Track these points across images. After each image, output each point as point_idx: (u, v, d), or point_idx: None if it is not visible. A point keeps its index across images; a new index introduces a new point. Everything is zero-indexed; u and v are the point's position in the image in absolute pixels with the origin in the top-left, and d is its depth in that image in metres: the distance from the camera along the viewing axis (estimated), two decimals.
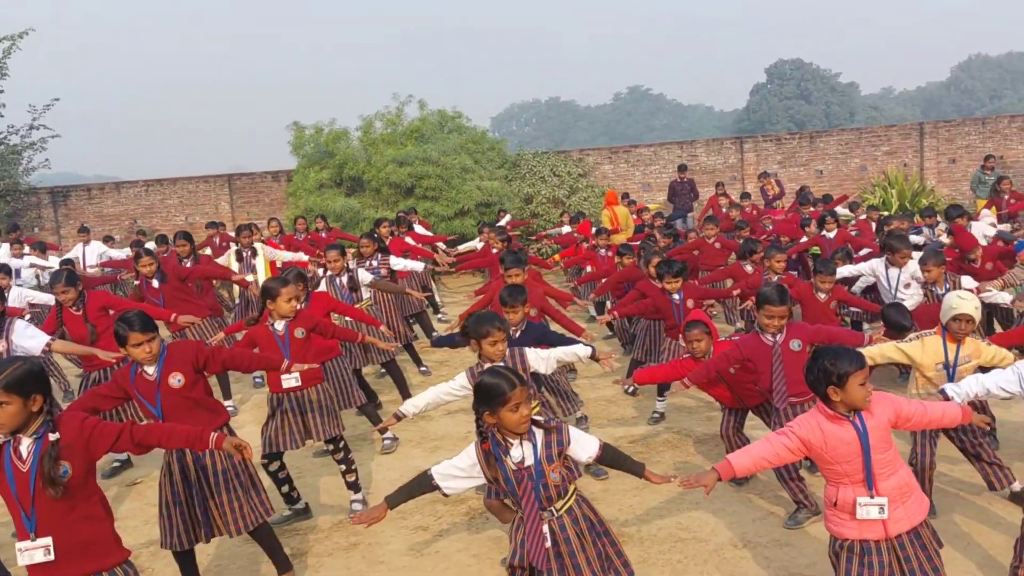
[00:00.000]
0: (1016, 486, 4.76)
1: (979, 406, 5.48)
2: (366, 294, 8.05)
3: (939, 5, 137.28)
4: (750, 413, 5.54)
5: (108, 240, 15.14)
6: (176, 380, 4.10)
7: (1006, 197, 13.19)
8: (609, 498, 5.15)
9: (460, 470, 3.31)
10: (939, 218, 10.30)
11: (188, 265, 8.70)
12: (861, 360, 3.24)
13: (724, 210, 15.17)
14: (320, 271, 8.74)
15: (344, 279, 7.87)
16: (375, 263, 8.92)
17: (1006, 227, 10.90)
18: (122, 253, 13.93)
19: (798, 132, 21.51)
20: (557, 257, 11.75)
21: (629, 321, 9.07)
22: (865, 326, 7.67)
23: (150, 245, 13.08)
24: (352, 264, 8.52)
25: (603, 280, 9.09)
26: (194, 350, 4.22)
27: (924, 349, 4.57)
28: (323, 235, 13.14)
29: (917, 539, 3.32)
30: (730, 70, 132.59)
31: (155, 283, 7.76)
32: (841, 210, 13.63)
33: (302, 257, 11.44)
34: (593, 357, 4.92)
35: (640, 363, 7.42)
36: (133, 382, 4.11)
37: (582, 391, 7.99)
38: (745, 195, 15.28)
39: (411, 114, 17.59)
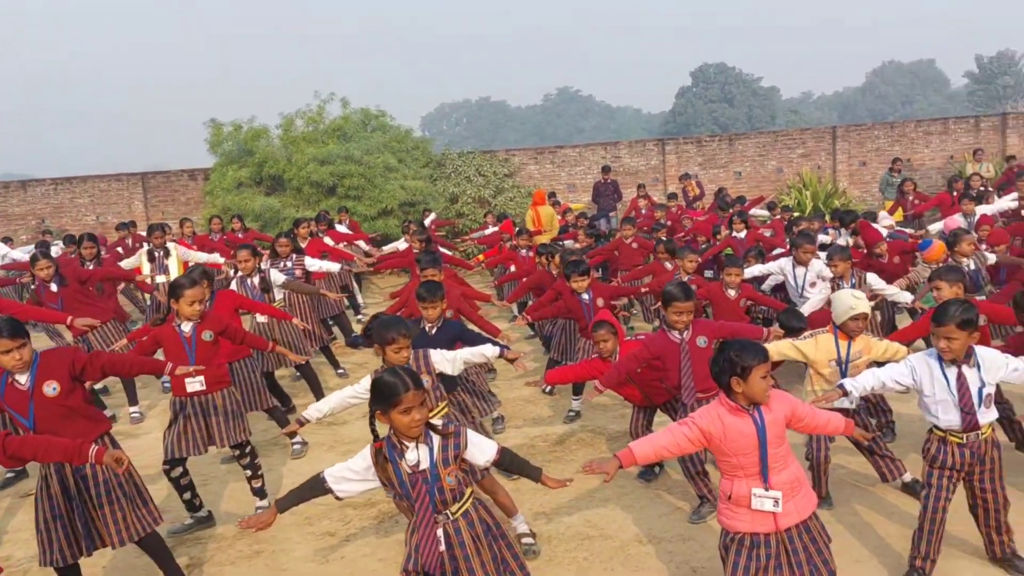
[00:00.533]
0: (907, 477, 4.94)
1: (875, 400, 5.72)
2: (279, 295, 7.89)
3: (855, 12, 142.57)
4: (659, 411, 5.62)
5: (7, 241, 14.47)
6: (51, 389, 3.90)
7: (911, 198, 13.76)
8: (519, 497, 5.14)
9: (354, 473, 3.25)
10: (880, 218, 10.64)
11: (91, 267, 8.37)
12: (765, 354, 3.31)
13: (644, 211, 15.43)
14: (232, 272, 8.52)
15: (255, 280, 7.68)
16: (289, 264, 8.74)
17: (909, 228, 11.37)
18: (27, 254, 13.32)
19: (718, 135, 21.97)
20: (481, 257, 11.72)
21: (552, 322, 9.13)
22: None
23: (56, 247, 12.55)
24: (265, 265, 8.34)
25: (524, 280, 9.11)
26: (70, 356, 4.02)
27: (818, 347, 4.71)
28: (240, 235, 12.81)
29: (807, 532, 3.41)
30: (657, 73, 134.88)
31: (53, 287, 7.43)
32: (758, 211, 14.00)
33: (217, 259, 11.15)
34: (503, 357, 4.90)
35: (557, 363, 7.46)
36: (3, 393, 3.90)
37: (501, 391, 7.99)
38: (672, 195, 15.53)
39: (333, 112, 17.37)
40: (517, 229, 11.49)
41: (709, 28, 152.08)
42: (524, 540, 4.65)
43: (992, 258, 7.55)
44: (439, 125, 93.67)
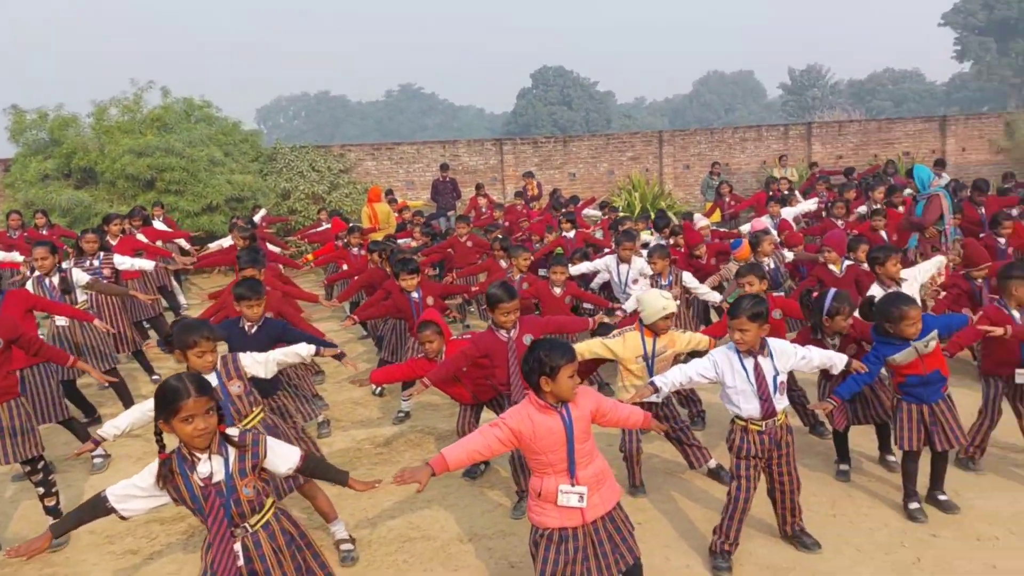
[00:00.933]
0: (712, 463, 5.23)
1: (686, 392, 6.02)
2: (82, 296, 7.27)
3: (683, 21, 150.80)
4: (486, 408, 5.65)
5: None
6: None
7: (727, 200, 14.69)
8: (341, 503, 5.00)
9: (140, 489, 3.02)
10: (695, 219, 11.16)
11: None
12: (572, 354, 3.37)
13: (484, 210, 15.58)
14: (29, 271, 7.79)
15: (55, 279, 7.04)
16: (96, 262, 8.09)
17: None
18: None
19: (553, 136, 22.54)
20: (310, 256, 11.37)
21: (385, 322, 8.99)
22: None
23: None
24: (67, 263, 7.67)
25: (355, 279, 8.91)
26: None
27: (625, 344, 4.88)
28: (43, 232, 11.74)
29: (611, 522, 3.52)
30: (500, 73, 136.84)
31: None
32: (591, 211, 14.47)
33: (16, 257, 10.19)
34: (320, 354, 4.75)
35: (388, 363, 7.34)
36: None
37: (329, 394, 7.79)
38: (518, 193, 15.73)
39: (153, 101, 16.29)
40: (349, 226, 11.22)
41: (549, 30, 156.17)
42: (343, 547, 4.53)
43: (790, 256, 8.17)
44: (275, 118, 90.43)
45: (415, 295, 6.90)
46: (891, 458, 5.28)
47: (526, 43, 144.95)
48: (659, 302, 4.84)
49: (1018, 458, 5.33)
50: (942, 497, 4.70)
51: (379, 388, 7.71)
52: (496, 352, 5.09)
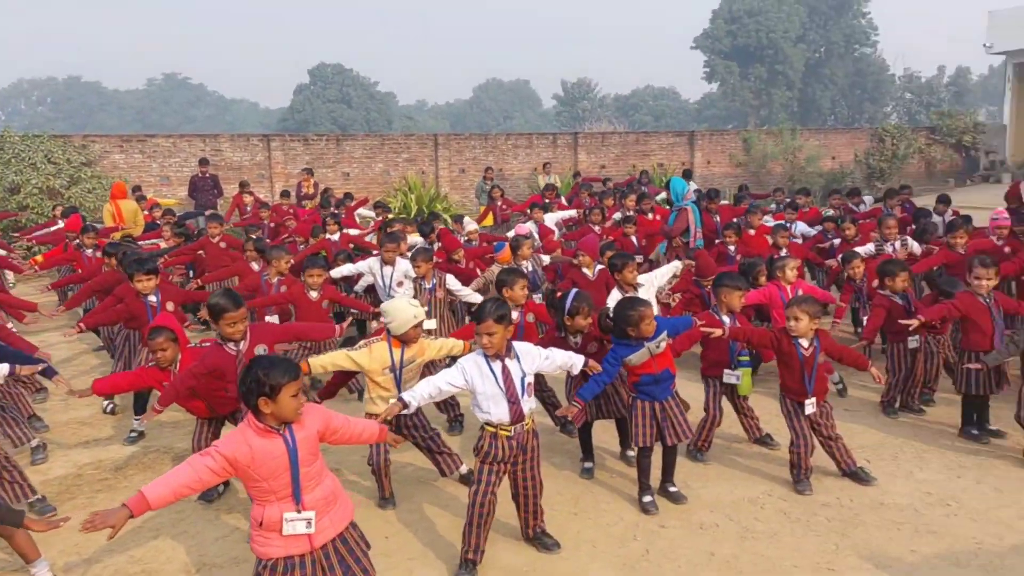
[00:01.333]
0: (464, 469, 5.20)
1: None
2: None
3: (462, 28, 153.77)
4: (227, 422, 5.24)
5: None
6: None
7: (499, 204, 15.00)
8: (49, 538, 4.39)
9: None
10: (465, 223, 11.12)
11: None
12: (296, 371, 3.14)
13: (249, 209, 14.72)
14: None
15: None
16: None
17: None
18: None
19: (325, 134, 21.90)
20: (39, 258, 10.11)
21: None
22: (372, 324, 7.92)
23: None
24: None
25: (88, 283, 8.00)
26: None
27: (372, 356, 4.70)
28: None
29: (343, 544, 3.34)
30: (276, 67, 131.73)
31: None
32: (365, 211, 14.16)
33: None
34: (13, 375, 4.14)
35: None
36: None
37: (50, 414, 6.93)
38: (284, 192, 15.01)
39: None
40: (84, 225, 10.09)
41: (327, 26, 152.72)
42: None
43: (547, 259, 8.45)
44: (15, 104, 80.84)
45: (152, 299, 6.30)
46: (631, 453, 5.53)
47: (303, 38, 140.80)
48: (408, 311, 4.70)
49: (740, 448, 5.81)
50: (672, 489, 4.99)
51: (109, 404, 6.97)
52: (225, 368, 4.74)
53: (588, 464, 5.44)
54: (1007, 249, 7.76)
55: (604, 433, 5.73)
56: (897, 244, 8.15)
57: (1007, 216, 8.45)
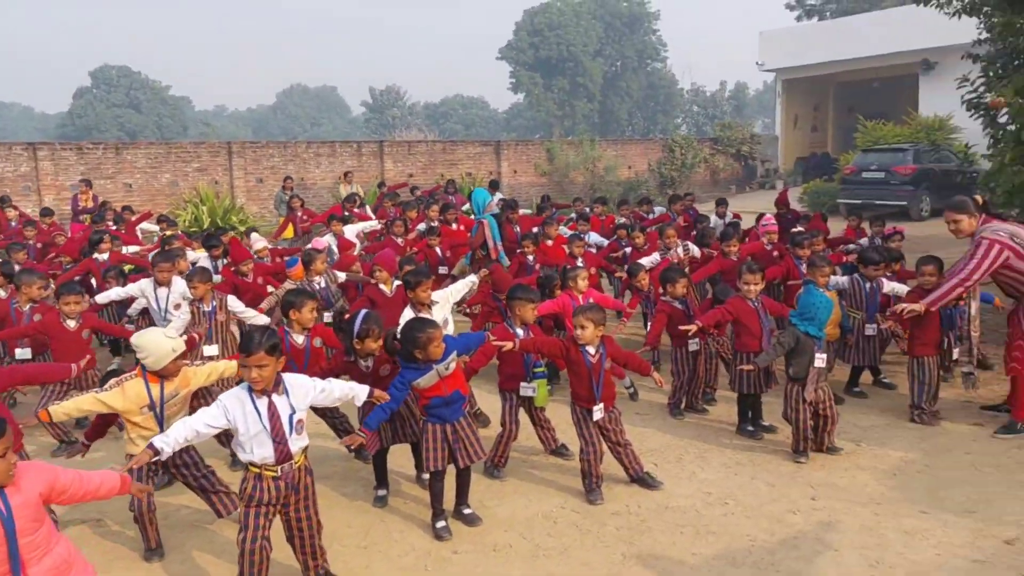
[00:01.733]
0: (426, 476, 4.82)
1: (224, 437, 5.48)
2: None
3: (255, 29, 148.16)
4: None
5: None
6: None
7: (299, 214, 14.34)
8: None
9: None
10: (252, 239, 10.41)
11: None
12: (2, 427, 2.67)
13: (14, 224, 13.13)
14: None
15: None
16: None
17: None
18: None
19: (103, 142, 20.09)
20: None
21: None
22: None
23: None
24: None
25: None
26: None
27: (125, 395, 4.20)
28: None
29: None
30: (54, 69, 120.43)
31: None
32: (148, 225, 13.08)
33: None
34: None
35: None
36: None
37: None
38: (45, 210, 13.52)
39: None
40: None
41: (112, 27, 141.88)
42: None
43: (343, 276, 8.12)
44: None
45: None
46: (427, 476, 5.35)
47: (84, 39, 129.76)
48: (165, 344, 4.24)
49: (536, 460, 5.79)
50: (467, 511, 4.86)
51: None
52: None
53: (381, 492, 5.20)
54: (775, 253, 8.41)
55: (401, 457, 5.51)
56: (680, 250, 8.58)
57: (775, 222, 9.20)
